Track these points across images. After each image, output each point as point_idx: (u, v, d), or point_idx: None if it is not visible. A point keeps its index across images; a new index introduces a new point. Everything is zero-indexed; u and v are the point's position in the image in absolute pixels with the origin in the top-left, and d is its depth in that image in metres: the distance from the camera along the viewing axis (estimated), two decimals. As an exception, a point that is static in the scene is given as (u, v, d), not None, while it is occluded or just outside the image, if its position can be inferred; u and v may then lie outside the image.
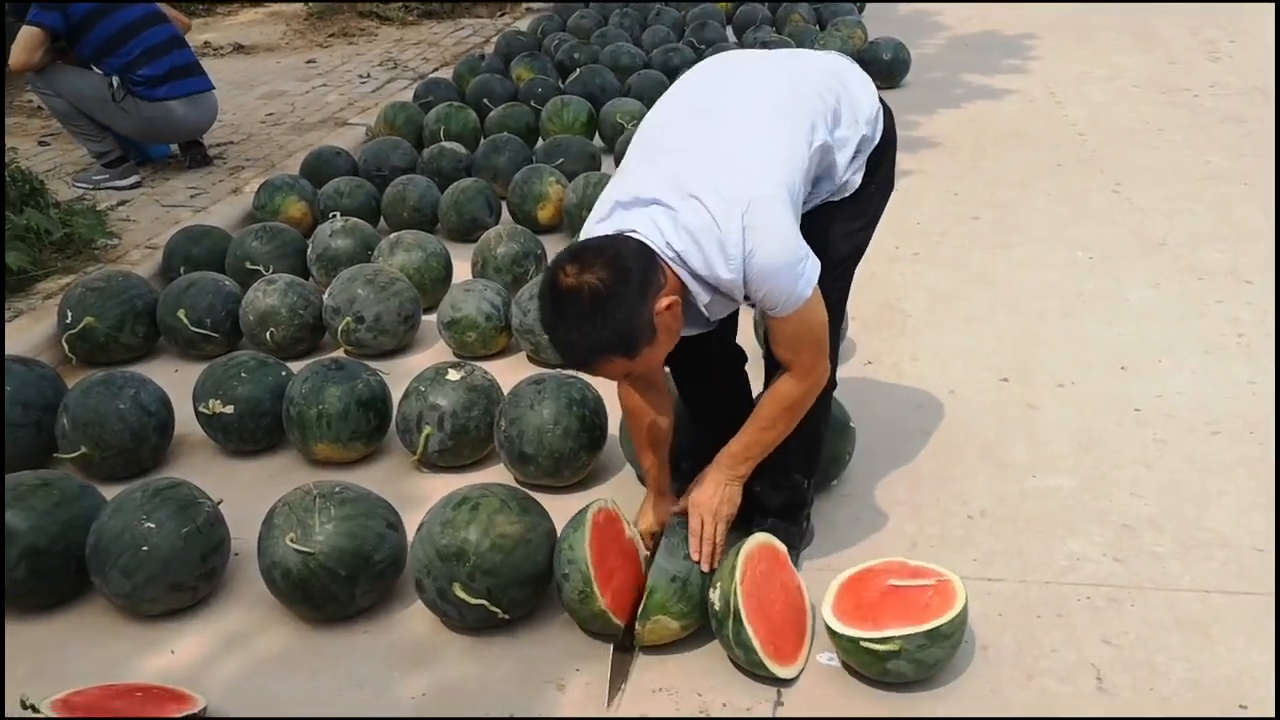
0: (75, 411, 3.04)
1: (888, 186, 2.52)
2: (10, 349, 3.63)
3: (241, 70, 7.95)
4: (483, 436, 3.09)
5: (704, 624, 2.37)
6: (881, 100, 2.44)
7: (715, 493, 2.38)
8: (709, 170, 2.11)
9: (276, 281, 3.81)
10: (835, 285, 2.38)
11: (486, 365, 3.44)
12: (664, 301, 2.05)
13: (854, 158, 2.34)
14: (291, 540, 2.43)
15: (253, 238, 4.28)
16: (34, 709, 2.06)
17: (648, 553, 2.51)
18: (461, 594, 2.36)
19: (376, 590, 2.53)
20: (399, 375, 3.49)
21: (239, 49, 8.81)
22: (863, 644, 2.16)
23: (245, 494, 2.98)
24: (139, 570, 2.46)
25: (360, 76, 7.65)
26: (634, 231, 2.10)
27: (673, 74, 6.74)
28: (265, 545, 2.50)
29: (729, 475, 2.40)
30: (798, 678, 2.29)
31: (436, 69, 7.78)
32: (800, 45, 7.21)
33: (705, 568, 2.35)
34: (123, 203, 5.19)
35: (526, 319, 3.61)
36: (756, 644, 2.20)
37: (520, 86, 6.56)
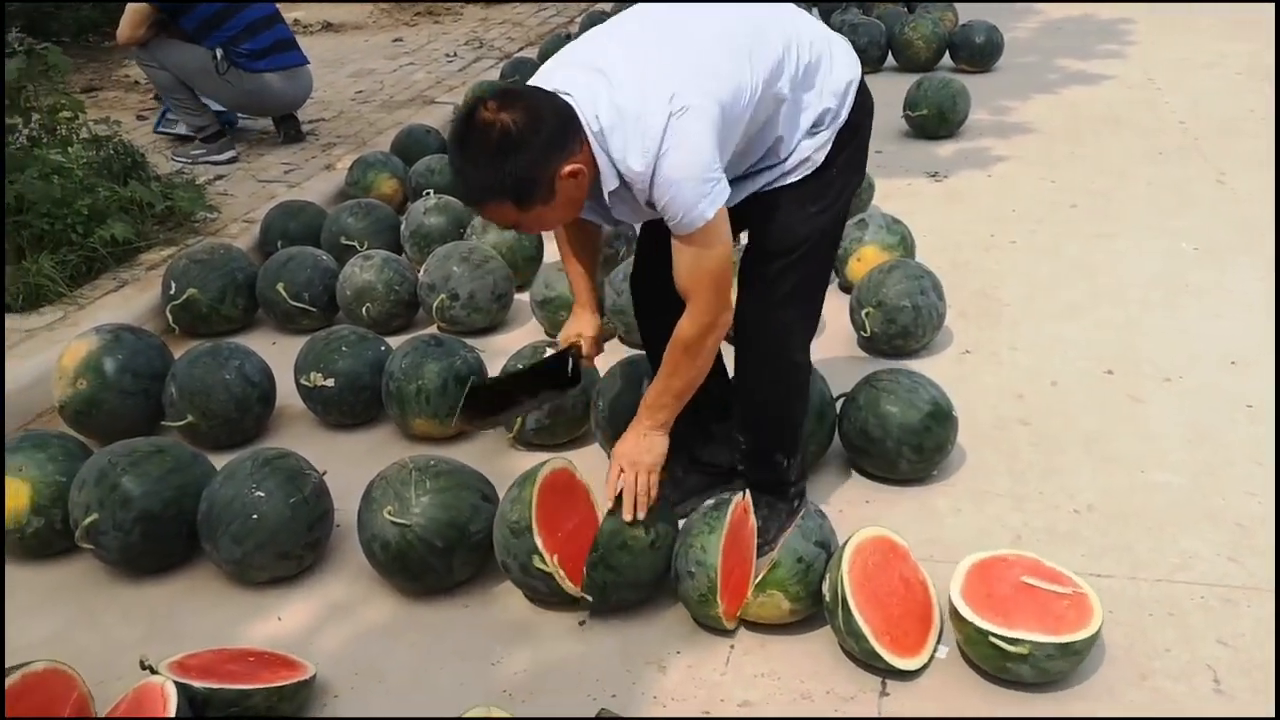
0: (183, 381, 3.10)
1: (854, 171, 2.46)
2: (115, 318, 3.71)
3: (331, 48, 8.03)
4: (579, 416, 3.09)
5: (814, 612, 2.36)
6: (864, 83, 2.40)
7: (635, 443, 2.36)
8: (660, 63, 2.10)
9: (373, 257, 3.84)
10: (797, 269, 2.39)
11: (580, 345, 3.43)
12: (569, 166, 2.05)
13: (815, 129, 2.32)
14: (389, 513, 2.46)
15: (348, 214, 4.33)
16: (152, 669, 2.10)
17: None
18: (542, 566, 2.38)
19: (473, 563, 2.55)
20: (492, 353, 3.52)
21: (328, 27, 8.90)
22: (991, 638, 2.12)
23: (344, 466, 3.01)
24: (249, 537, 2.50)
25: (446, 55, 7.69)
26: (569, 94, 2.09)
27: (760, 56, 6.68)
28: (364, 518, 2.54)
29: (647, 425, 2.37)
30: (921, 670, 2.25)
31: (522, 48, 7.79)
32: (890, 27, 7.11)
33: (627, 517, 2.34)
34: (219, 177, 5.27)
35: (619, 300, 3.60)
36: (869, 633, 2.17)
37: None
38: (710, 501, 2.44)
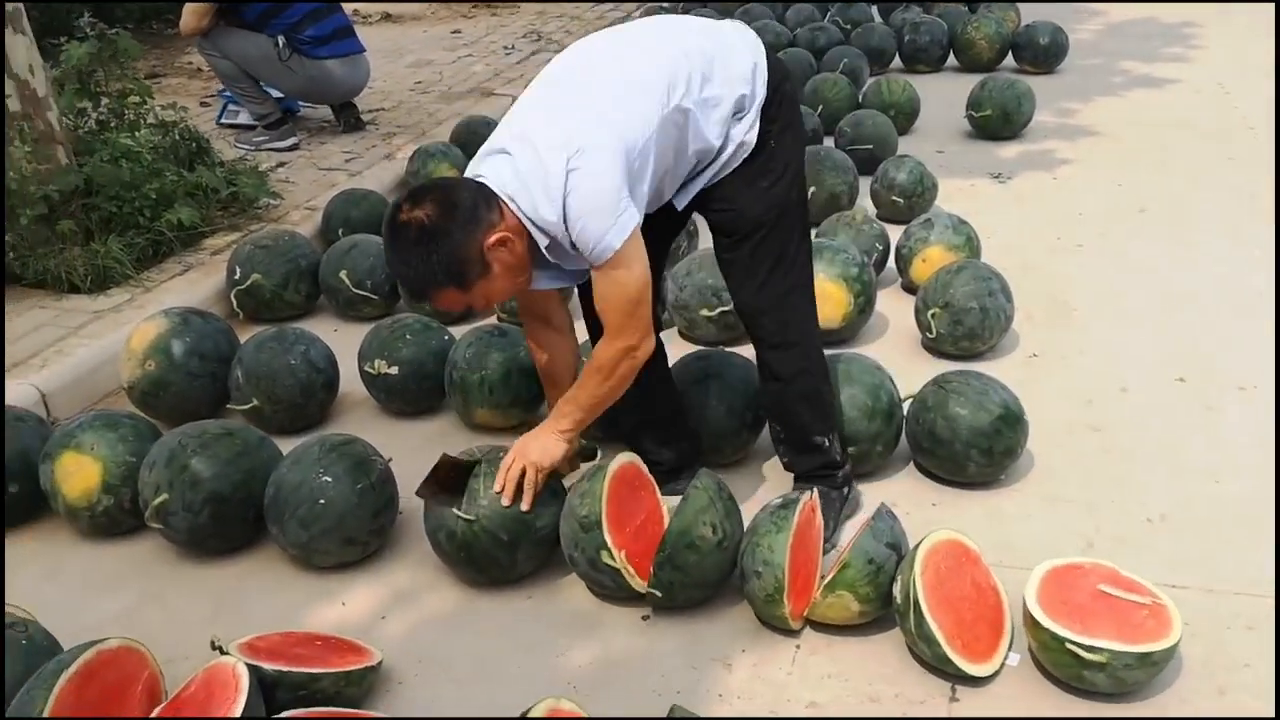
0: (249, 365, 3.12)
1: (793, 139, 2.50)
2: (180, 302, 3.74)
3: (390, 38, 8.07)
4: (642, 410, 3.07)
5: (882, 614, 2.33)
6: (772, 57, 2.46)
7: (535, 440, 2.47)
8: (549, 121, 2.23)
9: (435, 246, 3.85)
10: (770, 245, 2.47)
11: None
12: (493, 236, 2.18)
13: (737, 115, 2.38)
14: (456, 507, 2.45)
15: (410, 203, 4.34)
16: (222, 650, 2.11)
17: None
18: (610, 561, 2.36)
19: (537, 556, 2.54)
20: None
21: (387, 18, 8.95)
22: (1068, 644, 2.08)
23: (406, 455, 3.01)
24: (315, 522, 2.51)
25: (505, 47, 7.70)
26: (482, 177, 2.26)
27: (819, 54, 6.64)
28: (430, 508, 2.53)
29: (551, 427, 2.47)
30: (993, 677, 2.22)
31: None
32: (952, 27, 7.03)
33: (506, 503, 2.43)
34: (281, 164, 5.31)
35: (681, 294, 3.59)
36: (941, 638, 2.14)
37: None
38: (778, 500, 2.42)
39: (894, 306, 3.86)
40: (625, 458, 2.54)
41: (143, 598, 2.58)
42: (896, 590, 2.26)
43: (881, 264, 4.00)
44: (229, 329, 3.35)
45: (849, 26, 7.28)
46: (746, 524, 2.45)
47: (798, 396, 2.62)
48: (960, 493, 2.85)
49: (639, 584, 2.38)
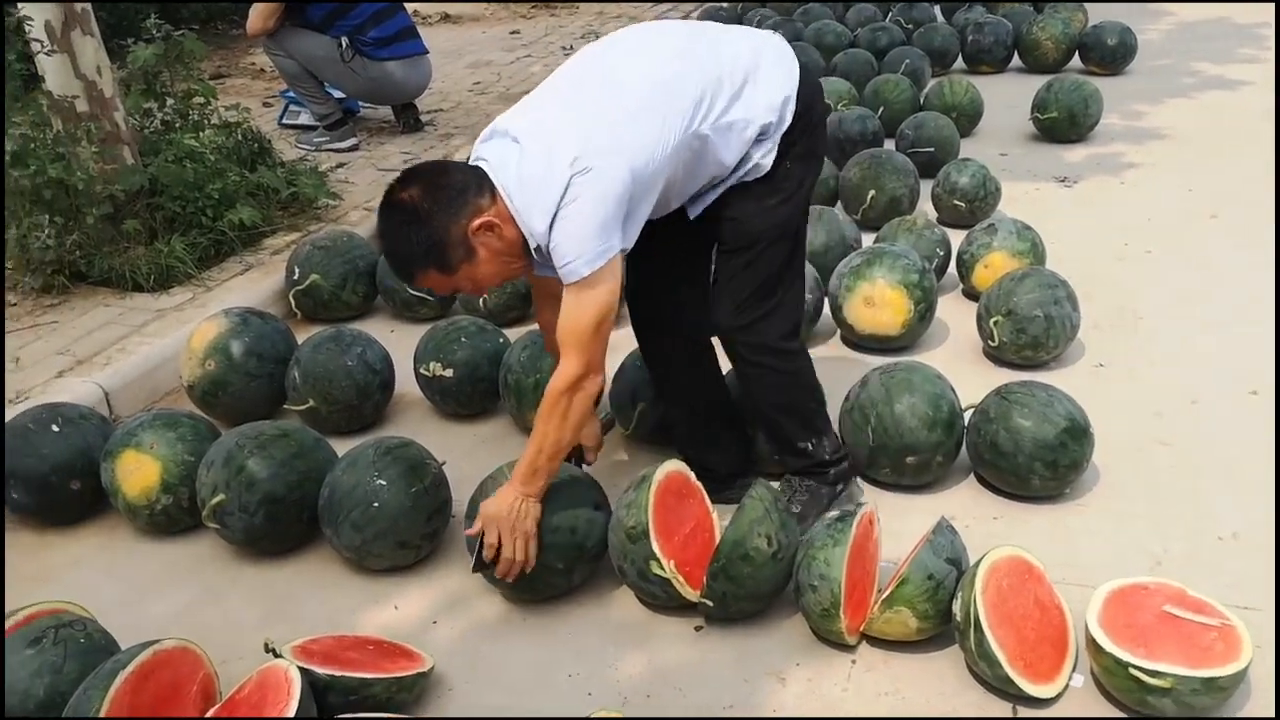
0: (306, 366, 3.14)
1: (808, 162, 2.47)
2: (241, 302, 3.78)
3: (449, 39, 8.12)
4: (698, 416, 3.04)
5: (941, 631, 2.27)
6: (806, 85, 2.40)
7: (510, 509, 2.35)
8: (566, 124, 2.19)
9: (492, 248, 3.84)
10: (763, 262, 2.44)
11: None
12: (477, 221, 2.17)
13: (759, 139, 2.35)
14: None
15: (467, 204, 4.34)
16: (276, 653, 2.12)
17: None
18: (659, 571, 2.33)
19: (590, 570, 2.53)
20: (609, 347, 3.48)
21: (446, 18, 9.00)
22: (1131, 669, 2.02)
23: (459, 457, 3.01)
24: (369, 525, 2.51)
25: (563, 48, 7.71)
26: (484, 161, 2.25)
27: (880, 54, 6.56)
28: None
29: (522, 490, 2.36)
30: (1056, 698, 2.16)
31: (638, 43, 7.75)
32: (1017, 27, 6.91)
33: (511, 580, 2.39)
34: (341, 165, 5.35)
35: (739, 299, 3.55)
36: (1003, 658, 2.08)
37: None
38: (834, 513, 2.38)
39: (955, 313, 3.79)
40: (671, 466, 2.51)
41: (200, 597, 2.60)
42: (956, 607, 2.21)
43: (942, 270, 3.93)
44: (287, 329, 3.37)
45: (911, 26, 7.19)
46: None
47: (780, 408, 2.62)
48: (1023, 507, 2.78)
49: (690, 593, 2.35)
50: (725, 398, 2.80)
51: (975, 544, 2.43)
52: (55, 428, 2.81)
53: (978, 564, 2.21)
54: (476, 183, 2.21)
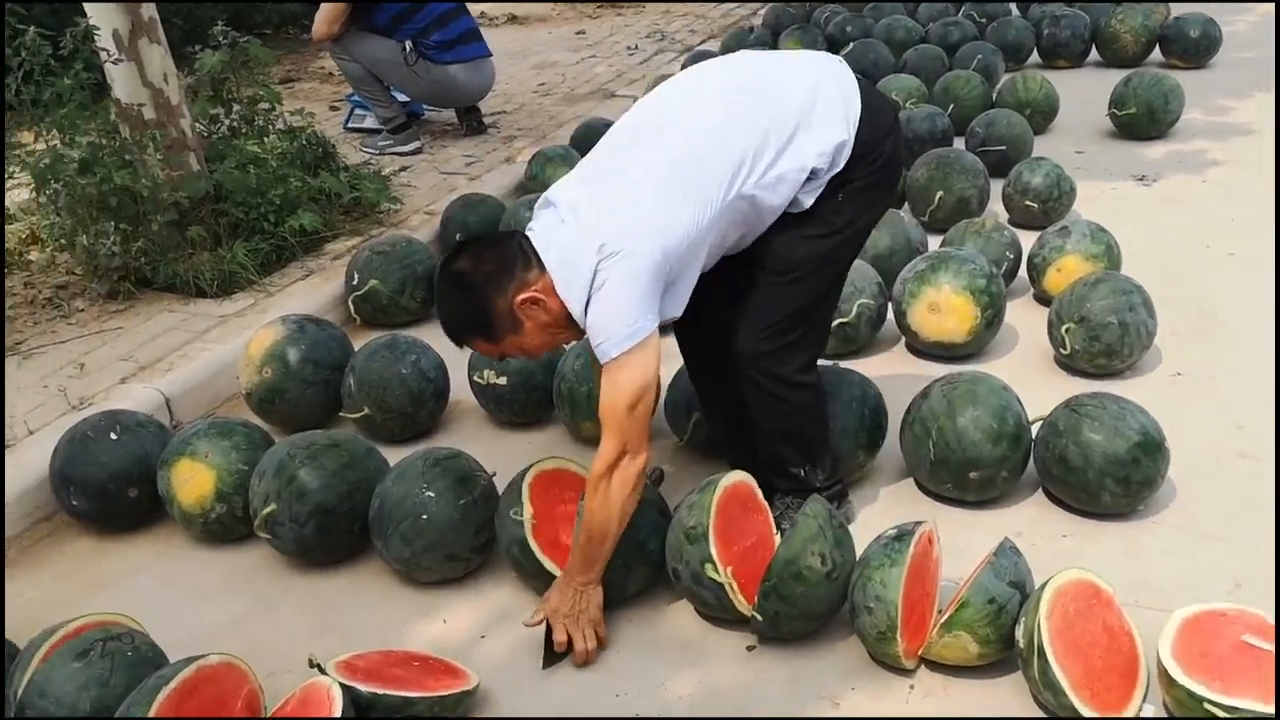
0: (361, 373, 3.13)
1: (867, 200, 2.42)
2: (301, 308, 3.80)
3: (515, 40, 8.12)
4: (754, 426, 2.97)
5: (1003, 657, 2.18)
6: (873, 118, 2.34)
7: (573, 603, 2.33)
8: (600, 206, 2.22)
9: (550, 253, 3.81)
10: (794, 291, 2.40)
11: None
12: (523, 295, 2.21)
13: (809, 182, 2.32)
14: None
15: (526, 208, 4.30)
16: (321, 669, 2.10)
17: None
18: (714, 575, 2.27)
19: (648, 577, 2.47)
20: (665, 355, 3.42)
21: (513, 19, 9.01)
22: (1206, 704, 1.91)
23: (513, 466, 2.95)
24: (418, 538, 2.49)
25: (628, 48, 7.67)
26: (532, 231, 2.29)
27: (951, 49, 6.40)
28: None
29: (580, 582, 2.34)
30: (1125, 734, 2.06)
31: (703, 41, 7.70)
32: (1095, 20, 6.69)
33: (584, 664, 2.34)
34: (404, 168, 5.37)
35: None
36: (1067, 686, 1.99)
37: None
38: (892, 531, 2.29)
39: (1025, 319, 3.67)
40: (738, 475, 2.45)
41: (251, 607, 2.60)
42: (1019, 633, 2.11)
43: (1012, 274, 3.81)
44: (343, 336, 3.37)
45: (984, 21, 7.01)
46: (859, 553, 2.34)
47: (779, 436, 2.57)
48: (1093, 524, 2.67)
49: (743, 604, 2.28)
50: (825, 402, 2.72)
51: (1042, 563, 2.34)
52: (114, 435, 2.83)
53: (1043, 588, 2.11)
54: (524, 256, 2.24)
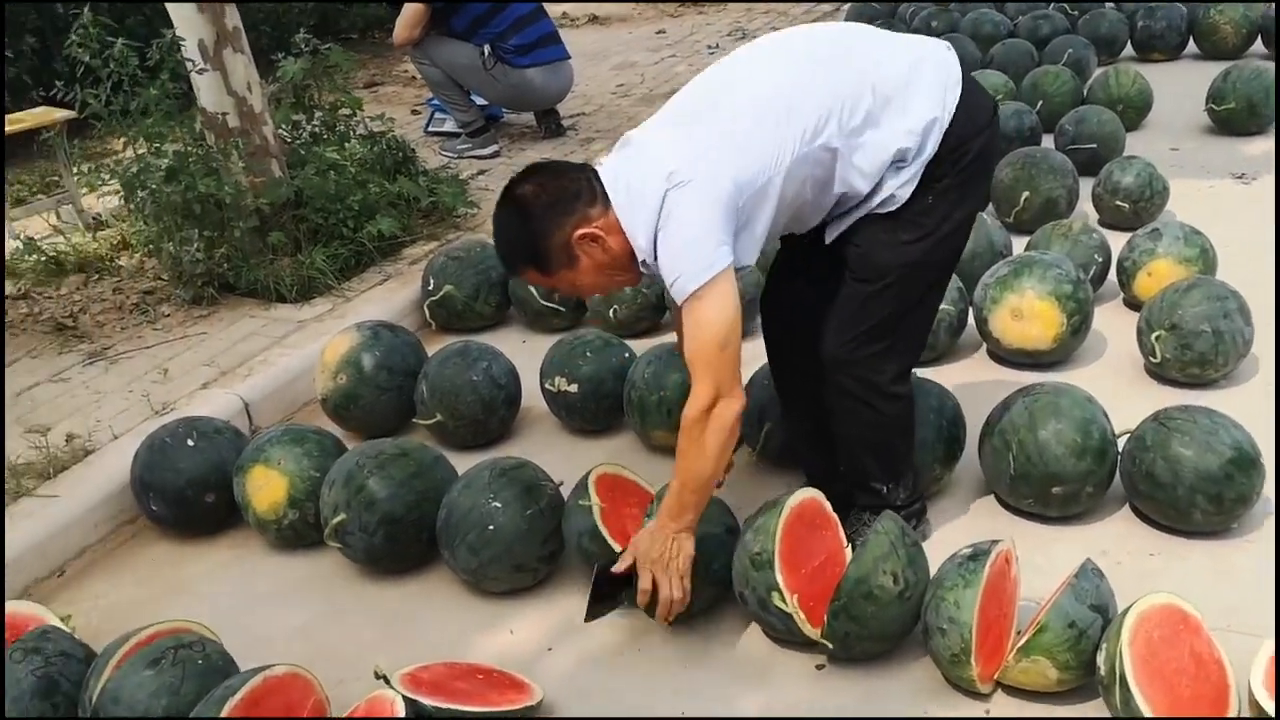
0: (434, 380, 3.14)
1: (959, 199, 2.30)
2: (378, 313, 3.83)
3: (595, 41, 8.11)
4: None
5: (1084, 683, 2.10)
6: (968, 112, 2.23)
7: (662, 548, 2.24)
8: (672, 140, 2.16)
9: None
10: (886, 299, 2.32)
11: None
12: (582, 230, 2.14)
13: (896, 165, 2.22)
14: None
15: (601, 212, 4.30)
16: (386, 680, 2.10)
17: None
18: (780, 604, 2.22)
19: (712, 596, 2.43)
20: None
21: (594, 20, 9.02)
22: (1298, 747, 1.82)
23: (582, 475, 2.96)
24: (485, 548, 2.48)
25: (709, 47, 7.61)
26: (600, 166, 2.23)
27: (1041, 43, 6.22)
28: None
29: (673, 528, 2.24)
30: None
31: (786, 39, 7.59)
32: (1192, 11, 6.45)
33: (668, 621, 2.30)
34: (482, 172, 5.39)
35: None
36: (1151, 716, 1.90)
37: (873, 57, 6.24)
38: (967, 550, 2.22)
39: (1114, 325, 3.54)
40: (805, 494, 2.39)
41: (322, 614, 2.62)
42: (1101, 659, 2.03)
43: (1101, 277, 3.67)
44: (417, 342, 3.38)
45: (1076, 13, 6.79)
46: (934, 570, 2.26)
47: (864, 447, 2.50)
48: (1183, 542, 2.56)
49: (811, 630, 2.23)
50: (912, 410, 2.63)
51: (1127, 583, 2.25)
52: (191, 442, 2.88)
53: (1126, 612, 2.02)
54: (590, 191, 2.18)
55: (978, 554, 2.17)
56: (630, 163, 2.19)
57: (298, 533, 2.78)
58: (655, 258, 2.13)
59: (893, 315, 2.34)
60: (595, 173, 2.22)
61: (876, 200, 2.26)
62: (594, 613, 2.34)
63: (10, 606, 2.41)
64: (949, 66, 2.27)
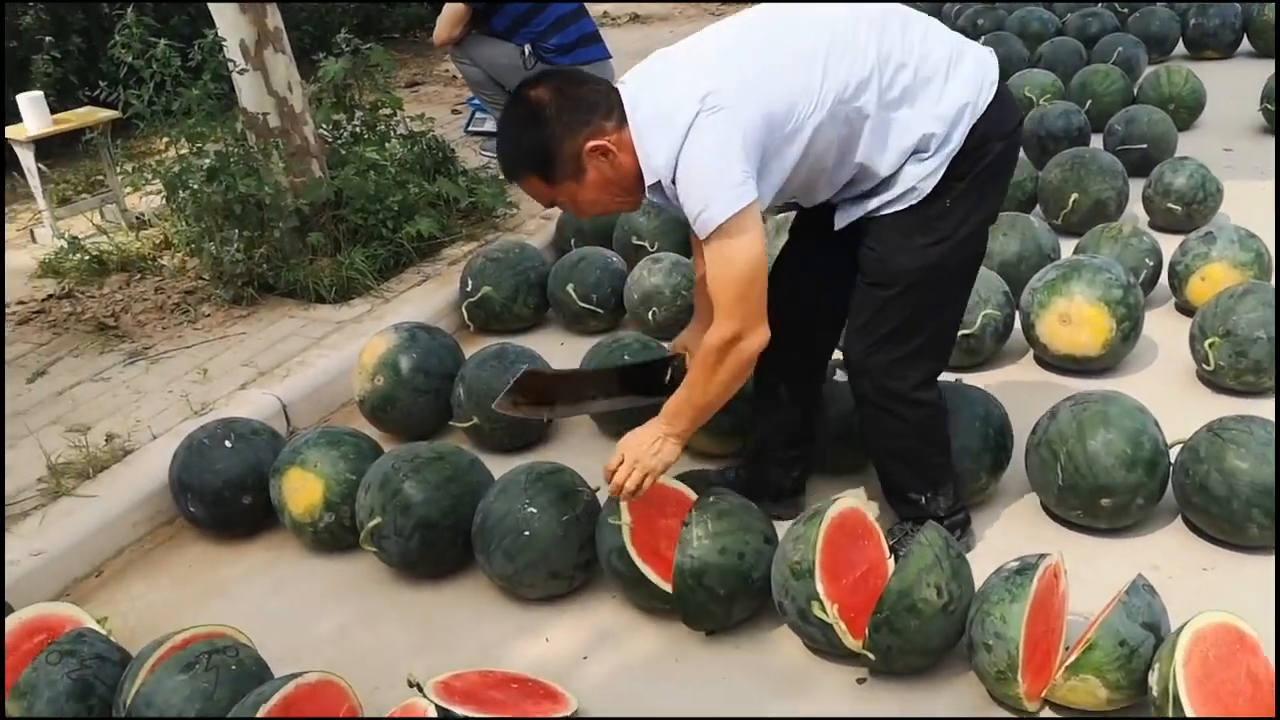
0: (471, 383, 3.12)
1: (979, 202, 2.26)
2: (416, 314, 3.82)
3: (636, 40, 8.07)
4: (869, 444, 2.86)
5: (1135, 703, 2.03)
6: (1000, 110, 2.21)
7: (649, 443, 2.27)
8: (713, 65, 2.08)
9: (662, 260, 3.75)
10: (905, 303, 2.27)
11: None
12: (594, 142, 2.09)
13: (920, 154, 2.17)
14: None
15: (640, 213, 4.26)
16: (420, 689, 2.08)
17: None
18: (821, 614, 2.17)
19: (752, 607, 2.39)
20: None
21: (635, 19, 8.98)
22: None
23: (622, 479, 2.93)
24: (521, 554, 2.45)
25: (750, 46, 7.55)
26: (623, 83, 2.17)
27: (1089, 42, 6.12)
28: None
29: (665, 429, 2.27)
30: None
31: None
32: (1246, 8, 6.32)
33: (615, 494, 2.31)
34: (522, 172, 5.36)
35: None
36: (1205, 743, 1.84)
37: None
38: (1014, 564, 2.16)
39: (1166, 331, 3.45)
40: (847, 503, 2.34)
41: (357, 619, 2.60)
42: (1153, 679, 1.96)
43: (1152, 282, 3.59)
44: (454, 344, 3.36)
45: (1125, 11, 6.68)
46: (978, 583, 2.21)
47: (891, 455, 2.48)
48: (1238, 557, 2.48)
49: (852, 642, 2.18)
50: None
51: (1180, 599, 2.19)
52: (228, 443, 2.88)
53: (1180, 631, 1.96)
54: (608, 104, 2.13)
55: (1025, 567, 2.11)
56: (660, 79, 2.13)
57: (334, 536, 2.77)
58: (674, 180, 2.08)
59: (912, 320, 2.30)
60: (615, 89, 2.17)
61: (896, 191, 2.22)
62: (504, 404, 2.42)
63: (48, 608, 2.42)
64: (989, 66, 2.24)
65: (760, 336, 2.15)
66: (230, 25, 4.02)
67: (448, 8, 5.34)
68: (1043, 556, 2.14)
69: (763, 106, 2.04)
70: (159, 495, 2.99)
